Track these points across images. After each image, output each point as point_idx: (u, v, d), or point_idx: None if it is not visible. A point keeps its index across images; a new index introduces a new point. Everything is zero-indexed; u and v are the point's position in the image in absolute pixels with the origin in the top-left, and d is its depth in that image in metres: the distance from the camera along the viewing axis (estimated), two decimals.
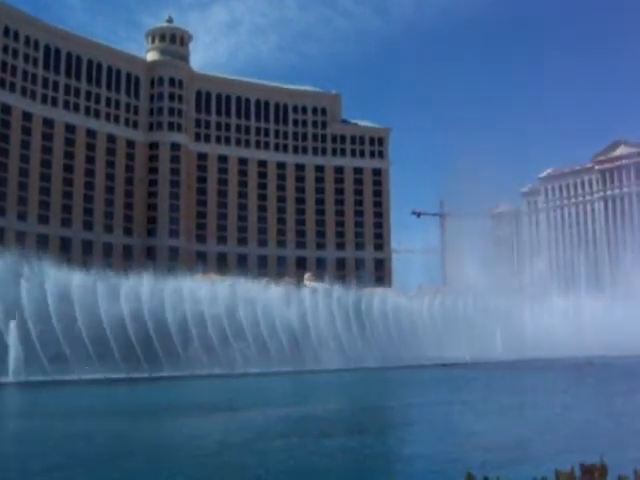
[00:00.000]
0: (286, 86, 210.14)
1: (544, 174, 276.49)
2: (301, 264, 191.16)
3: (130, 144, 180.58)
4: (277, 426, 34.77)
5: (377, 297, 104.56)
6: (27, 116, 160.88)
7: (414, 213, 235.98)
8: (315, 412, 41.47)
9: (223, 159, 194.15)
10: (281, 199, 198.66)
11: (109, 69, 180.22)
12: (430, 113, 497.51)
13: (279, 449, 27.36)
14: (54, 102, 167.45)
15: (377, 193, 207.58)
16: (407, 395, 55.59)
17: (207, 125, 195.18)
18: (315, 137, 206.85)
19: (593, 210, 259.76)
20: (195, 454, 26.36)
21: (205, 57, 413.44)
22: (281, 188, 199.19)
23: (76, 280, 72.07)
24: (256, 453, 26.58)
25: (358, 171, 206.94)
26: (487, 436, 31.19)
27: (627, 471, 3.68)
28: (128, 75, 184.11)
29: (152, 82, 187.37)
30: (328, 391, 61.13)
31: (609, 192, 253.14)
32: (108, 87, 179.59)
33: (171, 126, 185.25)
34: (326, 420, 37.68)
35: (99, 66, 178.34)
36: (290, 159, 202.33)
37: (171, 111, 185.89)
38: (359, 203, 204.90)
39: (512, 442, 28.32)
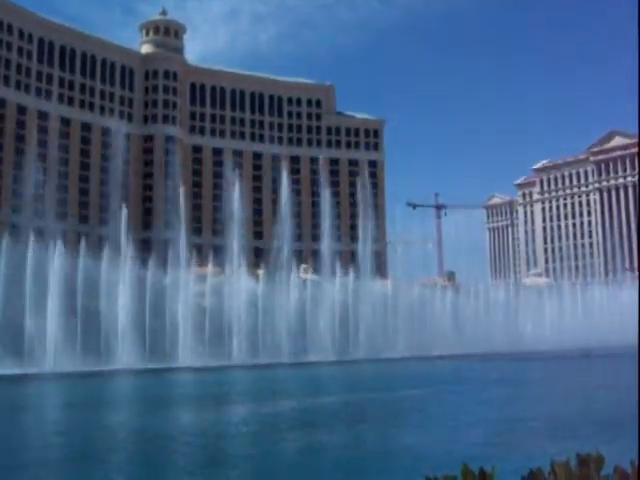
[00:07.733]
0: (280, 78, 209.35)
1: (539, 165, 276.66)
2: (297, 256, 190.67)
3: (125, 137, 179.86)
4: None
5: None
6: (21, 109, 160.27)
7: (410, 205, 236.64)
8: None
9: (218, 152, 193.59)
10: (276, 191, 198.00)
11: (103, 62, 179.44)
12: (425, 104, 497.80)
13: None
14: (48, 95, 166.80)
15: (372, 185, 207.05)
16: None
17: (202, 118, 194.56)
18: (310, 129, 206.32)
19: (588, 201, 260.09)
20: None
21: (204, 47, 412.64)
22: (276, 181, 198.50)
23: None
24: None
25: (353, 163, 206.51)
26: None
27: (623, 462, 3.75)
28: (122, 68, 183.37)
29: (146, 75, 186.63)
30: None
31: (604, 183, 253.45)
32: (102, 80, 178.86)
33: (165, 119, 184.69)
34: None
35: (93, 59, 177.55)
36: (285, 151, 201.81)
37: (165, 104, 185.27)
38: (354, 195, 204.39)
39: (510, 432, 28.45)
